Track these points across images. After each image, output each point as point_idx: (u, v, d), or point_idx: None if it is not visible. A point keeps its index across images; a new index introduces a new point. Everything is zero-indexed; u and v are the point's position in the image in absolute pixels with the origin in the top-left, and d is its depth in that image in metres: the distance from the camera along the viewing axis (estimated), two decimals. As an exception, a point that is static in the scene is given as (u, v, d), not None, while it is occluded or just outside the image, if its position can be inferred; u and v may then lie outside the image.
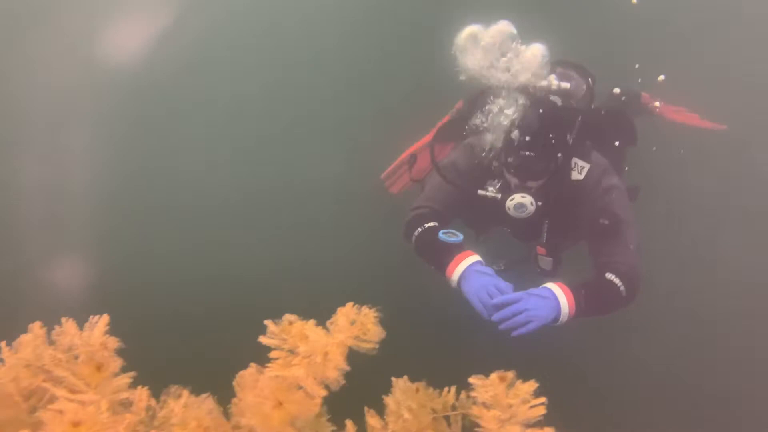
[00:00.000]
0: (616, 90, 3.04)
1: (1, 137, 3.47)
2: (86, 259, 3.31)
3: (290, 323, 1.36)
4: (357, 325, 1.29)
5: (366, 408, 1.69)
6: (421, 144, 2.92)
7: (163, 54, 3.64)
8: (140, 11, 3.77)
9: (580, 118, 2.31)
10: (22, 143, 3.53)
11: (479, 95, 2.25)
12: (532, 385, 1.40)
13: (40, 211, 3.41)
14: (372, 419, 1.64)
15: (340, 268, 3.35)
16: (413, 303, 3.05)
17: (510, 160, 2.23)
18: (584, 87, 2.45)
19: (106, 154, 3.56)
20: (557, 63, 2.38)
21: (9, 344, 1.27)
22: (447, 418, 1.76)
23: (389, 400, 1.69)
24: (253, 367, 1.35)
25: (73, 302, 2.98)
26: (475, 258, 2.16)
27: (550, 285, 2.12)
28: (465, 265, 2.13)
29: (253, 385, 1.36)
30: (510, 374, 1.43)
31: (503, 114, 2.18)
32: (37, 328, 1.26)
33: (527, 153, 2.16)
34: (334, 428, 1.45)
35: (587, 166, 2.34)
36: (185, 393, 1.10)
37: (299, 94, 3.74)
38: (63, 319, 1.29)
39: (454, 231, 2.25)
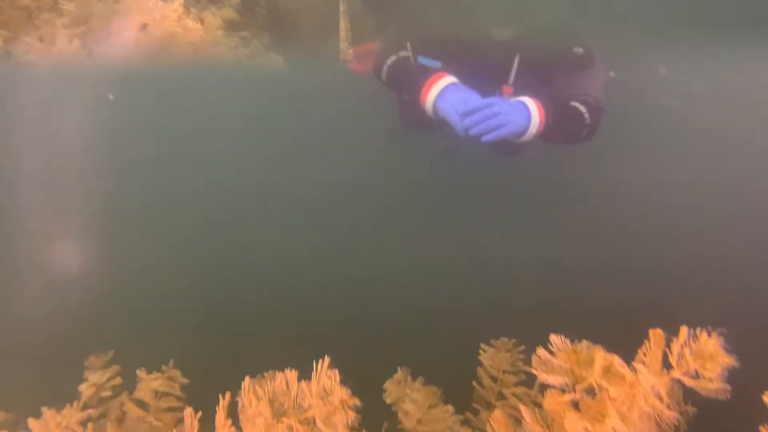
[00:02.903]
0: None
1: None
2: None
3: (575, 351, 0.99)
4: (691, 359, 0.91)
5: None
6: None
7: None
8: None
9: None
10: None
11: None
12: None
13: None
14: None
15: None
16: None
17: None
18: None
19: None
20: None
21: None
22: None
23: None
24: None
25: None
26: (453, 79, 2.09)
27: (522, 98, 2.09)
28: (443, 84, 2.06)
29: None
30: None
31: None
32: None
33: None
34: None
35: None
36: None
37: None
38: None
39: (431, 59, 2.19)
